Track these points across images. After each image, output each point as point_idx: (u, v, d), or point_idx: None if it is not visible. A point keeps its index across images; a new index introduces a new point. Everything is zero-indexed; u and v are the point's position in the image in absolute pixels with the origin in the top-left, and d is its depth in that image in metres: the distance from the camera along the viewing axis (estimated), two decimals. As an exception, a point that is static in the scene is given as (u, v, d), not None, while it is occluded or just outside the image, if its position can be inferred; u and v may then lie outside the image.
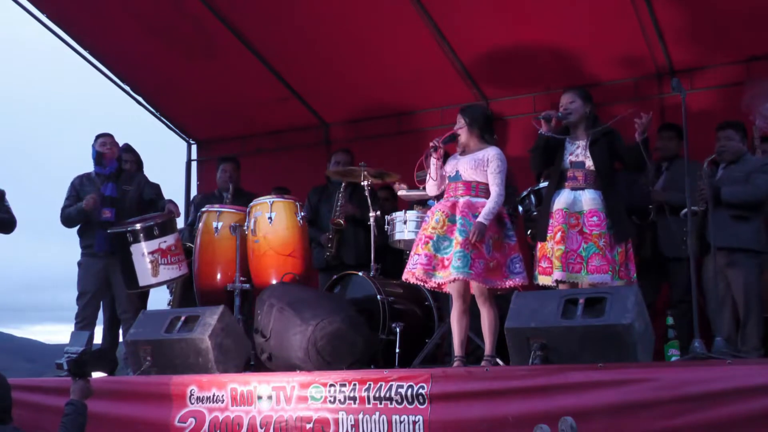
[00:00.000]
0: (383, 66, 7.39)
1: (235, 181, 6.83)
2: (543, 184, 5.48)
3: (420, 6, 6.73)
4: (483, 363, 4.75)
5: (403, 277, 4.97)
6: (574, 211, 4.79)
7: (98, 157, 6.47)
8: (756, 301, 5.22)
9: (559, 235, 4.74)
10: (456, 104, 6.51)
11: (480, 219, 4.75)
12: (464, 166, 4.94)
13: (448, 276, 4.77)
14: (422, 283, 4.95)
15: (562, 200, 4.84)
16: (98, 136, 6.55)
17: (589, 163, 4.87)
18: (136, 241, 5.96)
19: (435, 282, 4.87)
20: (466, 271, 4.69)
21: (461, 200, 4.87)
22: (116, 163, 6.52)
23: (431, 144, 4.96)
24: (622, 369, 3.90)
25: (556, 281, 4.72)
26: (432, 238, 4.83)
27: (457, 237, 4.76)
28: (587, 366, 3.97)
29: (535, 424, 3.49)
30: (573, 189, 4.85)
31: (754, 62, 6.53)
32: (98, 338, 6.54)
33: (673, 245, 5.62)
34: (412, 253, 4.95)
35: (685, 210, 4.75)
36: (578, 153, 4.91)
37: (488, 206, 4.80)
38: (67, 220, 6.46)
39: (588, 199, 4.81)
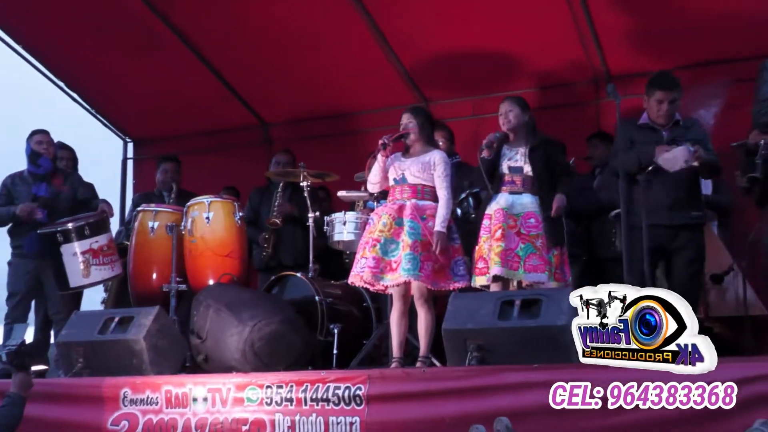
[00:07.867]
0: (324, 67, 7.37)
1: (177, 181, 6.74)
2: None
3: (362, 8, 6.73)
4: (418, 363, 4.76)
5: (350, 281, 4.93)
6: (512, 213, 4.84)
7: (33, 156, 6.29)
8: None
9: (499, 232, 4.76)
10: (396, 106, 6.51)
11: (438, 228, 4.75)
12: (410, 169, 4.93)
13: (397, 278, 4.74)
14: (369, 286, 4.90)
15: (501, 201, 4.88)
16: (33, 133, 6.32)
17: (528, 169, 4.93)
18: (67, 241, 5.82)
19: (383, 285, 4.83)
20: (415, 274, 4.69)
21: (408, 203, 4.86)
22: (51, 163, 6.34)
23: (381, 141, 4.93)
24: (556, 370, 3.94)
25: (494, 276, 4.73)
26: (379, 241, 4.80)
27: (406, 239, 4.75)
28: (523, 367, 4.00)
29: (471, 424, 3.51)
30: (511, 193, 4.91)
31: (693, 69, 6.60)
32: (29, 340, 6.38)
33: (604, 246, 5.77)
34: (358, 256, 4.89)
35: (615, 212, 4.89)
36: (517, 159, 4.96)
37: (441, 213, 4.80)
38: None
39: (526, 202, 4.87)
